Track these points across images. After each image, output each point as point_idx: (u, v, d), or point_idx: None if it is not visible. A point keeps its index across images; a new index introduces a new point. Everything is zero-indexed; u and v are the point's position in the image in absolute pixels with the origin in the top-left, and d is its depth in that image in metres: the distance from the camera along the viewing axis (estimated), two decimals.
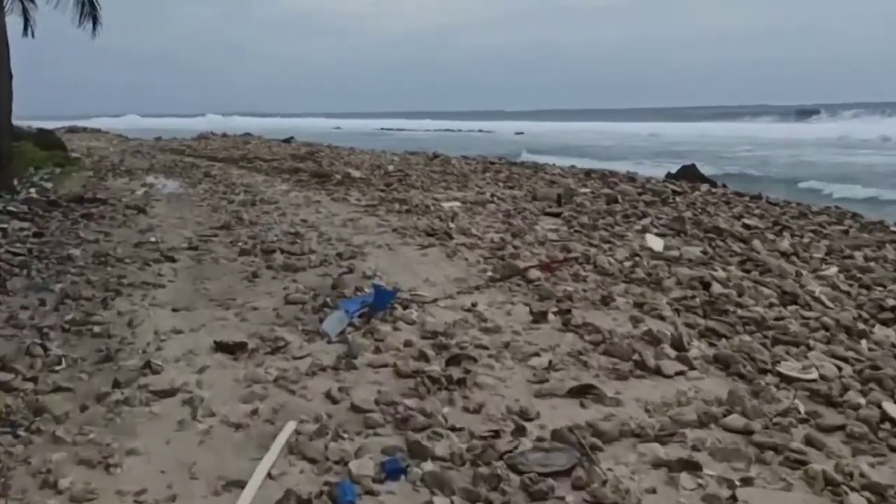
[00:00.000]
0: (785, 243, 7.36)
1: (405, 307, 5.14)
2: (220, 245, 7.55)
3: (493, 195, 10.82)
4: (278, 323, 4.92)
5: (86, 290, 5.72)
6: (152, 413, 3.54)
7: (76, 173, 15.52)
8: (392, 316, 4.95)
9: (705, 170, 18.93)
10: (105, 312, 5.17)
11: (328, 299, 5.31)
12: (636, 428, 3.33)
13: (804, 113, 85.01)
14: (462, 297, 5.48)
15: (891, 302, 5.30)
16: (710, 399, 3.68)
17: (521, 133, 59.67)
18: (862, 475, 2.93)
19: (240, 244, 7.45)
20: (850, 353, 4.26)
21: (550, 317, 4.96)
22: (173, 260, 6.86)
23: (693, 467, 3.00)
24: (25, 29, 13.47)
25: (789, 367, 4.02)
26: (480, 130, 65.02)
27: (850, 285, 5.89)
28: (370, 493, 2.85)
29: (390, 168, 14.80)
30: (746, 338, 4.54)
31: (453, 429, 3.33)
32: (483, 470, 2.96)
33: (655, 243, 7.13)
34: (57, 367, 4.12)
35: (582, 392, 3.74)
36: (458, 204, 9.93)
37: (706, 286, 5.59)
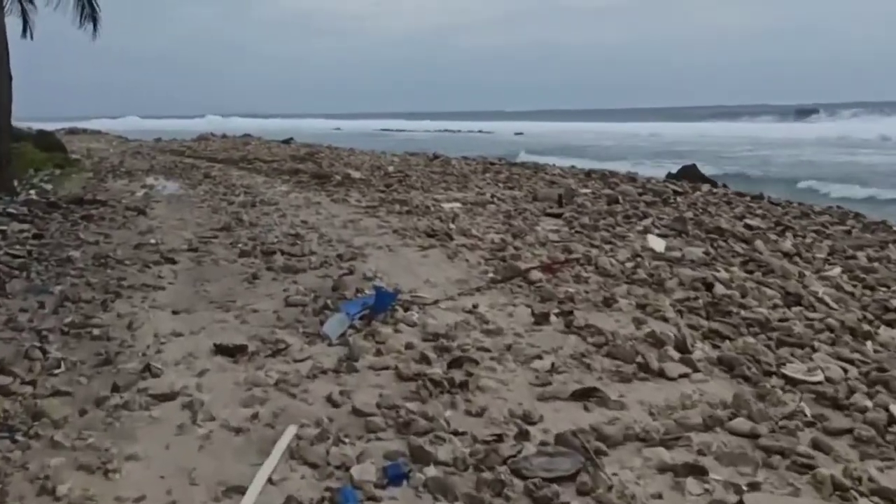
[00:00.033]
0: (787, 244, 7.32)
1: (406, 309, 5.10)
2: (220, 246, 7.51)
3: (493, 196, 10.78)
4: (279, 325, 4.89)
5: (85, 292, 5.69)
6: (152, 417, 3.51)
7: (76, 175, 15.49)
8: (393, 318, 4.91)
9: (705, 170, 18.90)
10: (104, 315, 5.14)
11: (329, 301, 5.27)
12: (641, 432, 3.29)
13: (803, 112, 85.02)
14: (463, 299, 5.44)
15: (895, 303, 5.27)
16: (714, 402, 3.65)
17: (521, 133, 59.64)
18: (871, 480, 2.90)
19: (240, 246, 7.41)
20: (856, 355, 4.23)
21: (552, 318, 4.93)
22: (173, 262, 6.82)
23: (699, 472, 2.96)
24: (24, 30, 13.44)
25: (794, 370, 3.99)
26: (480, 131, 64.99)
27: (854, 286, 5.85)
28: (372, 498, 2.81)
29: (390, 169, 14.77)
30: (750, 339, 4.50)
31: (456, 433, 3.29)
32: (486, 475, 2.92)
33: (657, 244, 7.09)
34: (56, 371, 4.08)
35: (585, 395, 3.71)
36: (458, 205, 9.90)
37: (709, 287, 5.56)
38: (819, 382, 3.85)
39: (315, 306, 5.20)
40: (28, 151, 16.28)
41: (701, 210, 9.51)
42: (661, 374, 3.99)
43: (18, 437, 3.28)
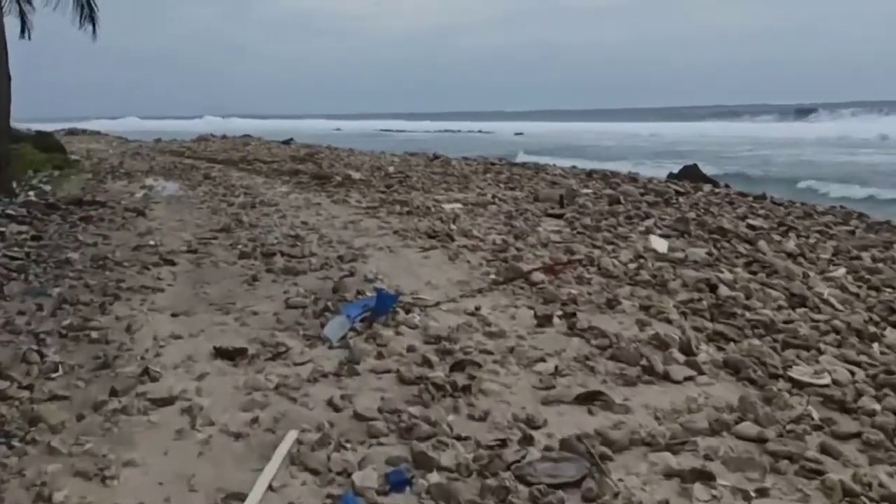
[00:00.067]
0: (791, 244, 7.27)
1: (407, 311, 5.05)
2: (219, 248, 7.46)
3: (494, 196, 10.74)
4: (279, 328, 4.84)
5: (84, 294, 5.64)
6: (150, 422, 3.46)
7: (75, 176, 15.44)
8: (394, 320, 4.86)
9: (706, 169, 18.85)
10: (103, 317, 5.09)
11: (329, 303, 5.22)
12: (646, 436, 3.25)
13: (802, 112, 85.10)
14: (465, 301, 5.39)
15: None
16: (721, 405, 3.60)
17: (521, 133, 59.63)
18: (881, 485, 2.85)
19: (239, 247, 7.36)
20: (863, 358, 4.18)
21: (555, 320, 4.88)
22: (172, 263, 6.77)
23: (706, 477, 2.91)
24: (23, 31, 13.38)
25: (801, 372, 3.94)
26: (480, 131, 65.00)
27: (859, 287, 5.81)
28: None
29: (390, 169, 14.72)
30: (756, 341, 4.46)
31: (459, 438, 3.25)
32: (490, 481, 2.87)
33: (660, 245, 7.04)
34: (53, 375, 4.03)
35: (590, 399, 3.66)
36: (459, 205, 9.85)
37: (713, 288, 5.52)
38: (826, 385, 3.80)
39: (315, 308, 5.15)
40: (27, 152, 16.23)
41: (703, 210, 9.46)
42: (665, 377, 3.95)
43: (15, 442, 3.24)
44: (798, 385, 3.83)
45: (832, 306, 5.18)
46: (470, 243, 7.32)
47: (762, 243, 7.11)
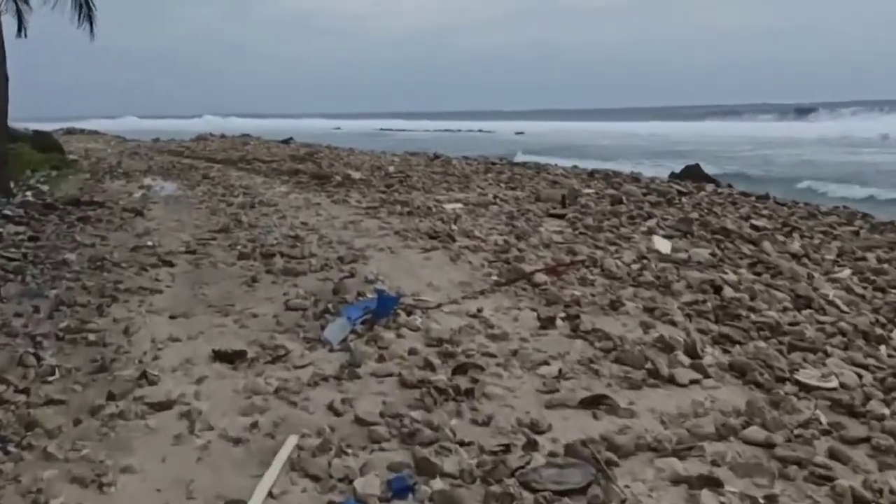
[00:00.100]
0: (795, 245, 7.22)
1: (409, 313, 5.00)
2: (218, 249, 7.41)
3: (495, 196, 10.68)
4: (278, 330, 4.78)
5: (81, 296, 5.59)
6: (148, 427, 3.40)
7: (73, 175, 15.38)
8: (395, 322, 4.81)
9: (706, 169, 18.81)
10: (100, 320, 5.03)
11: (330, 305, 5.17)
12: (652, 441, 3.19)
13: (802, 111, 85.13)
14: (467, 303, 5.34)
15: None
16: (727, 409, 3.55)
17: (522, 133, 59.58)
18: (892, 492, 2.81)
19: (239, 248, 7.31)
20: (870, 360, 4.13)
21: (558, 322, 4.83)
22: (171, 264, 6.71)
23: (714, 484, 2.86)
24: (19, 29, 13.31)
25: (808, 375, 3.89)
26: (480, 130, 64.94)
27: (865, 288, 5.75)
28: None
29: (391, 169, 14.66)
30: (762, 344, 4.41)
31: (462, 443, 3.19)
32: (495, 488, 2.82)
33: (663, 245, 6.99)
34: (50, 378, 3.98)
35: (594, 403, 3.61)
36: (460, 206, 9.79)
37: (717, 290, 5.46)
38: (834, 389, 3.75)
39: (315, 310, 5.10)
40: (25, 152, 16.16)
41: (706, 210, 9.41)
42: (671, 380, 3.89)
43: (11, 448, 3.19)
44: (805, 388, 3.78)
45: (838, 308, 5.13)
46: (471, 244, 7.27)
47: (766, 244, 7.06)
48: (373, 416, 3.44)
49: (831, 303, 5.21)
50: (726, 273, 5.96)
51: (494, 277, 6.03)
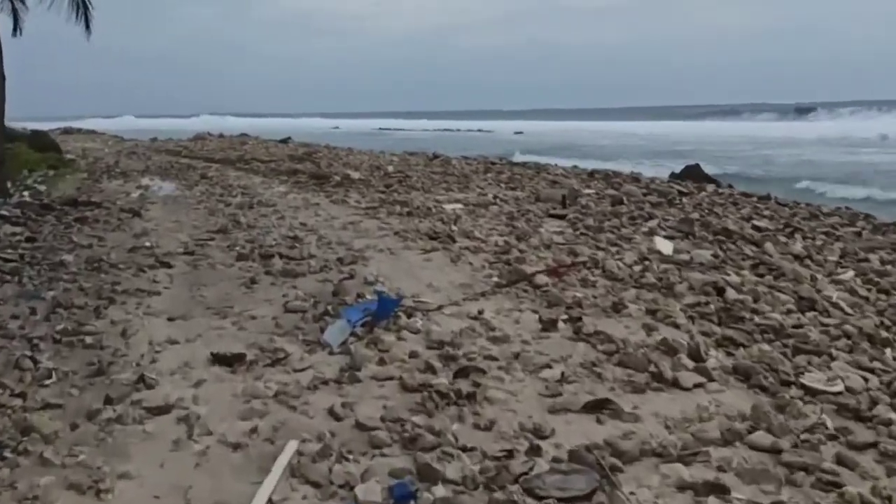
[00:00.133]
0: (798, 246, 7.18)
1: (409, 315, 4.95)
2: (216, 250, 7.35)
3: (495, 197, 10.64)
4: (277, 332, 4.73)
5: (78, 297, 5.53)
6: (146, 432, 3.35)
7: (70, 175, 15.32)
8: (396, 325, 4.76)
9: (706, 169, 18.78)
10: (98, 322, 4.98)
11: (329, 307, 5.12)
12: (657, 447, 3.15)
13: (801, 111, 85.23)
14: (468, 304, 5.29)
15: None
16: (732, 414, 3.51)
17: (521, 133, 59.55)
18: None
19: (237, 249, 7.26)
20: (876, 364, 4.09)
21: (560, 325, 4.79)
22: (169, 265, 6.66)
23: (720, 490, 2.82)
24: (15, 28, 13.24)
25: (813, 379, 3.85)
26: (479, 130, 64.90)
27: (869, 290, 5.72)
28: None
29: (390, 169, 14.61)
30: (766, 347, 4.36)
31: (464, 449, 3.14)
32: (498, 495, 2.77)
33: (664, 246, 6.95)
34: (47, 382, 3.92)
35: (598, 407, 3.56)
36: (460, 206, 9.74)
37: (720, 292, 5.42)
38: (839, 393, 3.71)
39: (315, 312, 5.05)
40: (22, 152, 16.10)
41: (707, 211, 9.37)
42: (675, 383, 3.85)
43: (7, 453, 3.13)
44: (811, 392, 3.74)
45: (842, 310, 5.09)
46: (472, 245, 7.22)
47: (768, 245, 7.01)
48: (374, 420, 3.39)
49: (835, 305, 5.17)
50: (729, 275, 5.91)
51: (495, 279, 5.98)
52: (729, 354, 4.31)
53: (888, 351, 4.37)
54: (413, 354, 4.24)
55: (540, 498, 2.75)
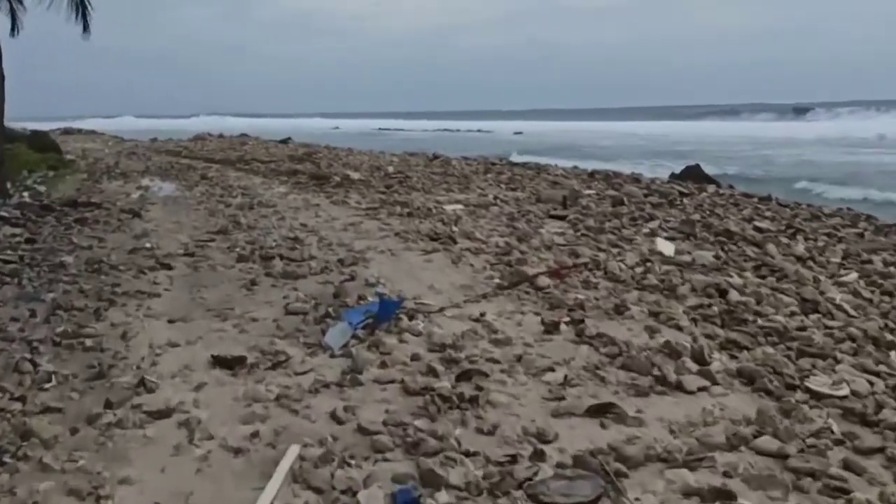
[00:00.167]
0: (800, 247, 7.14)
1: (411, 317, 4.92)
2: (217, 251, 7.32)
3: (495, 197, 10.61)
4: (278, 335, 4.70)
5: (78, 299, 5.50)
6: (146, 437, 3.32)
7: (70, 176, 15.28)
8: (397, 327, 4.73)
9: (706, 170, 18.75)
10: (98, 324, 4.95)
11: (330, 309, 5.09)
12: (662, 451, 3.12)
13: (800, 110, 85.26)
14: (469, 306, 5.26)
15: None
16: (737, 418, 3.48)
17: (521, 133, 59.49)
18: None
19: (237, 250, 7.22)
20: (882, 367, 4.06)
21: (563, 327, 4.75)
22: (169, 267, 6.63)
23: (727, 496, 2.79)
24: (13, 28, 13.21)
25: (819, 383, 3.82)
26: (479, 130, 64.83)
27: (872, 292, 5.68)
28: None
29: (390, 169, 14.58)
30: (770, 349, 4.33)
31: (467, 453, 3.11)
32: (502, 501, 2.75)
33: (666, 248, 6.92)
34: (46, 385, 3.89)
35: (601, 411, 3.53)
36: (460, 207, 9.71)
37: (723, 293, 5.39)
38: (845, 397, 3.68)
39: (316, 314, 5.02)
40: (21, 152, 16.07)
41: (708, 212, 9.34)
42: (679, 387, 3.82)
43: (6, 458, 3.11)
44: (816, 396, 3.71)
45: (846, 312, 5.06)
46: (473, 246, 7.19)
47: (770, 246, 6.98)
48: (376, 424, 3.36)
49: (839, 307, 5.14)
50: (731, 276, 5.88)
51: (496, 280, 5.95)
52: (733, 357, 4.28)
53: (893, 354, 4.34)
54: (415, 357, 4.21)
55: None
